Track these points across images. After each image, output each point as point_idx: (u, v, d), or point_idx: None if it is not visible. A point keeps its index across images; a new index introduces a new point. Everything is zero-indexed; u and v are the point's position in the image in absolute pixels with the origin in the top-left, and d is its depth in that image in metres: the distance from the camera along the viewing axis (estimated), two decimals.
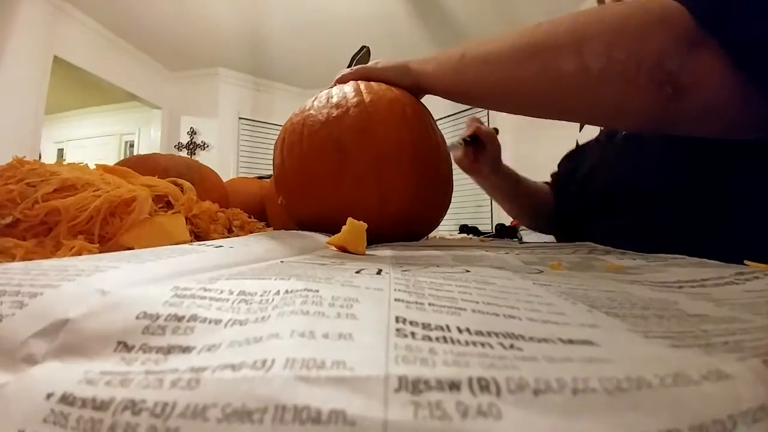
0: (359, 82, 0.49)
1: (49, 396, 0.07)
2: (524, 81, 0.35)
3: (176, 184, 0.45)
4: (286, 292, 0.11)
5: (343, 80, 0.51)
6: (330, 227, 0.42)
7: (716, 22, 0.27)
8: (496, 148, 0.68)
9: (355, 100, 0.46)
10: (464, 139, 0.68)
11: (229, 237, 0.48)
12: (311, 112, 0.47)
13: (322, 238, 0.37)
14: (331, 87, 0.51)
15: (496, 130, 0.69)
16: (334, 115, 0.45)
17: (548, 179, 0.76)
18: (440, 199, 0.53)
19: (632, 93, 0.30)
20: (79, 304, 0.09)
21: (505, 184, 0.71)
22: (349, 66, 0.61)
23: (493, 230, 2.25)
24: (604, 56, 0.30)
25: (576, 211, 0.59)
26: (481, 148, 0.67)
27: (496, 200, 0.76)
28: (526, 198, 0.72)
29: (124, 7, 2.75)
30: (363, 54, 0.66)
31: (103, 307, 0.09)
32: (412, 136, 0.46)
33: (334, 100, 0.47)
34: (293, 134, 0.48)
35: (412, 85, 0.48)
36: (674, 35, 0.28)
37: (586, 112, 0.37)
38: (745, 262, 0.23)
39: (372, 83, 0.49)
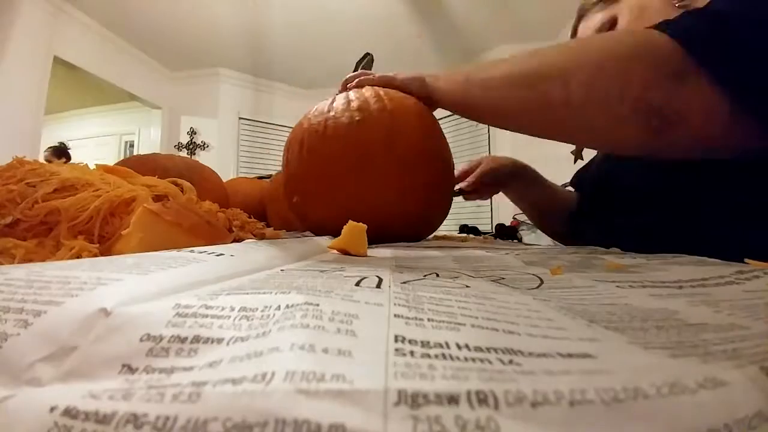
0: (377, 88, 0.51)
1: (52, 409, 0.07)
2: (516, 107, 0.38)
3: (176, 184, 0.46)
4: (287, 306, 0.11)
5: (361, 84, 0.53)
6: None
7: (710, 56, 0.27)
8: (487, 177, 0.70)
9: (377, 105, 0.47)
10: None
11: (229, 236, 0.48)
12: (332, 114, 0.48)
13: (322, 242, 0.37)
14: (346, 89, 0.53)
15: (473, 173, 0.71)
16: (357, 118, 0.46)
17: (548, 178, 0.76)
18: (447, 202, 0.55)
19: (616, 125, 0.31)
20: (84, 328, 0.10)
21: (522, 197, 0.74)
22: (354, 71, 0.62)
23: (493, 230, 2.25)
24: (586, 88, 0.31)
25: (580, 209, 0.59)
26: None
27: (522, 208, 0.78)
28: (544, 203, 0.73)
29: (124, 7, 2.75)
30: (367, 61, 0.68)
31: (108, 331, 0.09)
32: (429, 143, 0.49)
33: (356, 104, 0.48)
34: (313, 136, 0.48)
35: (426, 97, 0.51)
36: (660, 67, 0.28)
37: (573, 140, 0.39)
38: (746, 260, 0.23)
39: (389, 90, 0.50)
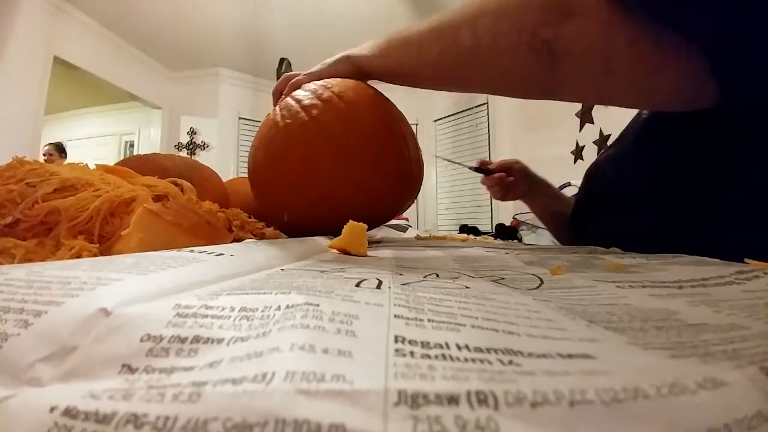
0: (316, 81, 0.50)
1: (52, 409, 0.07)
2: (435, 57, 0.41)
3: (176, 184, 0.46)
4: (287, 307, 0.11)
5: (297, 84, 0.53)
6: (324, 224, 0.44)
7: None
8: (514, 179, 0.74)
9: (326, 94, 0.47)
10: (472, 168, 0.78)
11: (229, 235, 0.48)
12: (294, 111, 0.47)
13: (322, 242, 0.37)
14: (280, 97, 0.53)
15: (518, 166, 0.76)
16: (314, 114, 0.46)
17: (548, 179, 0.78)
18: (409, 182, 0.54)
19: (517, 61, 0.35)
20: (84, 328, 0.10)
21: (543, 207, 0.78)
22: (277, 79, 0.62)
23: (493, 230, 2.26)
24: (491, 30, 0.35)
25: (579, 210, 0.59)
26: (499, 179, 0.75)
27: (540, 217, 0.82)
28: (557, 213, 0.76)
29: (124, 7, 2.75)
30: (285, 65, 0.70)
31: (108, 331, 0.09)
32: (384, 118, 0.49)
33: (308, 102, 0.47)
34: (277, 138, 0.47)
35: (355, 72, 0.51)
36: (548, 7, 0.32)
37: (487, 81, 0.41)
38: (746, 260, 0.23)
39: (331, 81, 0.50)
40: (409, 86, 0.48)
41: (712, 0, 0.27)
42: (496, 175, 0.75)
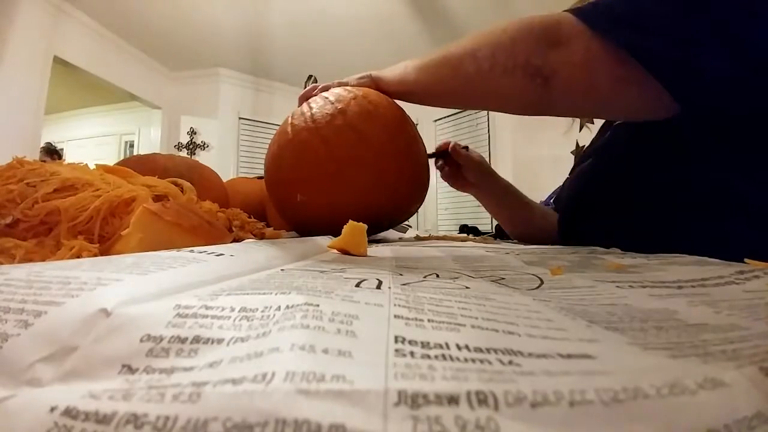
0: (345, 87, 0.55)
1: (52, 409, 0.07)
2: (446, 81, 0.48)
3: (176, 184, 0.46)
4: (287, 307, 0.11)
5: (326, 89, 0.57)
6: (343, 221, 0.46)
7: (590, 17, 0.36)
8: (467, 161, 0.72)
9: (354, 95, 0.52)
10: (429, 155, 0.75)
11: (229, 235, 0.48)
12: (315, 113, 0.51)
13: (322, 242, 0.37)
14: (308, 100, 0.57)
15: (466, 148, 0.74)
16: (340, 108, 0.50)
17: (547, 180, 0.76)
18: (420, 190, 0.58)
19: (513, 84, 0.41)
20: (84, 328, 0.10)
21: (499, 193, 0.75)
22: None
23: (493, 230, 2.25)
24: (489, 59, 0.41)
25: (570, 212, 0.59)
26: (449, 163, 0.74)
27: (492, 211, 0.79)
28: (524, 210, 0.74)
29: (124, 8, 2.75)
30: (312, 81, 0.72)
31: (108, 331, 0.09)
32: (404, 128, 0.53)
33: (338, 103, 0.51)
34: (314, 134, 0.50)
35: (376, 89, 0.56)
36: (537, 40, 0.39)
37: (488, 100, 0.49)
38: (746, 260, 0.23)
39: (353, 87, 0.54)
40: (422, 105, 0.54)
41: (661, 25, 0.33)
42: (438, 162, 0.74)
